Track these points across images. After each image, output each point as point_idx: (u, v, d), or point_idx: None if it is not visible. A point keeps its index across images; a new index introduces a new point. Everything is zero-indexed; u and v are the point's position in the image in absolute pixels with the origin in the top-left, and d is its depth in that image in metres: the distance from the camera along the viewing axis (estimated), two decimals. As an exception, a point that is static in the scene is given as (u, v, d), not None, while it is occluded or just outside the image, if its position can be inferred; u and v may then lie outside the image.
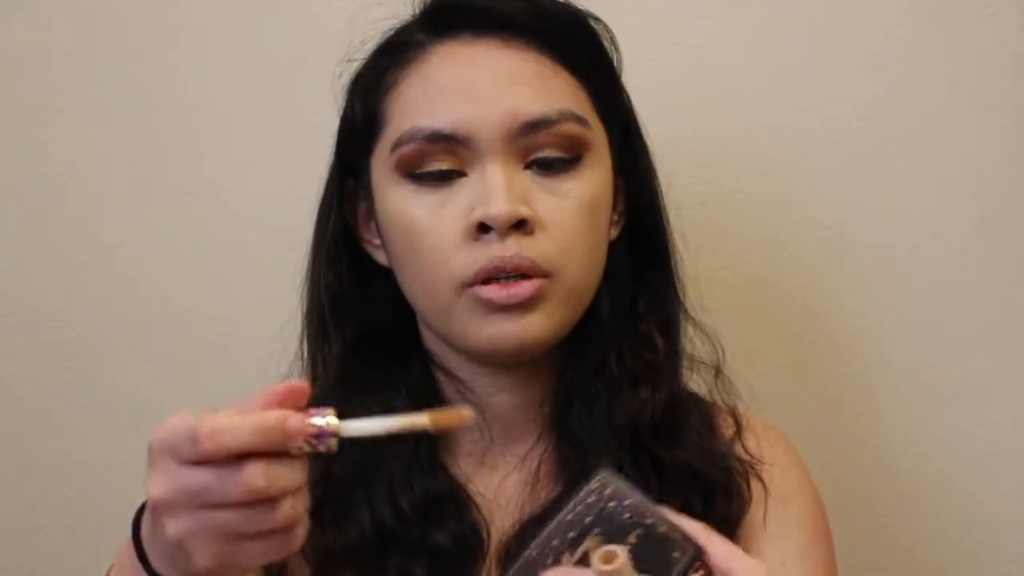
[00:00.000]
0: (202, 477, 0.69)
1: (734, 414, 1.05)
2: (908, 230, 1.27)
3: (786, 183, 1.26)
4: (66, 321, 1.21)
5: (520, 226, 0.92)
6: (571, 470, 0.99)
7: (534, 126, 0.94)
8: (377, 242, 1.02)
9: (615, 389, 1.00)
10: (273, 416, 0.70)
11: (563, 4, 1.01)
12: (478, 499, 0.99)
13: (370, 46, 1.03)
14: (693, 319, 1.05)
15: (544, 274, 0.93)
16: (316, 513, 0.91)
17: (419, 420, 0.73)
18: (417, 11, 1.02)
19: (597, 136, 0.98)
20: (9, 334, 1.21)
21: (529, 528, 0.96)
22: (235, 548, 0.70)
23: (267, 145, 1.22)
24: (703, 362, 1.07)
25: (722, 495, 0.99)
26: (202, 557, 0.70)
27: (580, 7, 1.01)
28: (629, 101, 1.05)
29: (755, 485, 1.01)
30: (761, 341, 1.26)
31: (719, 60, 1.25)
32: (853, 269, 1.27)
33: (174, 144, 1.22)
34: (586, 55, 1.00)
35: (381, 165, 0.98)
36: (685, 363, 1.06)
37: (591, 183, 0.97)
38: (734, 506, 1.00)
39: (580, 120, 0.96)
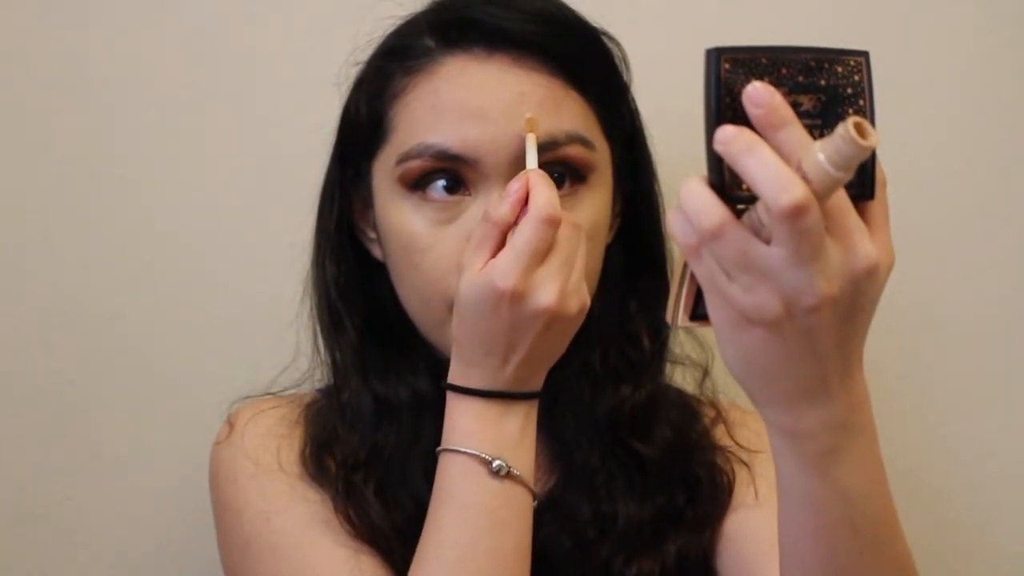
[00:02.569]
0: (559, 253, 0.89)
1: (715, 405, 1.06)
2: (906, 231, 1.27)
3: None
4: (66, 321, 1.21)
5: None
6: (561, 466, 1.02)
7: (541, 149, 0.94)
8: (372, 235, 1.03)
9: (597, 387, 1.02)
10: (543, 176, 0.90)
11: (577, 22, 1.00)
12: None
13: (378, 41, 1.02)
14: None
15: None
16: (366, 488, 0.96)
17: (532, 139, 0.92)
18: (427, 17, 1.00)
19: (601, 157, 0.99)
20: (9, 334, 1.21)
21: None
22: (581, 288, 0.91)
23: (271, 143, 1.22)
24: (691, 359, 1.08)
25: (705, 488, 1.01)
26: (575, 303, 0.90)
27: (594, 25, 1.01)
28: (637, 113, 1.05)
29: (742, 471, 1.02)
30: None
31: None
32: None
33: (176, 142, 1.22)
34: (598, 76, 1.00)
35: (384, 174, 0.98)
36: (675, 361, 1.08)
37: (592, 208, 0.97)
38: (718, 498, 1.01)
39: (586, 143, 0.96)
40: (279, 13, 1.22)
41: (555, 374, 1.00)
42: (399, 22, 1.02)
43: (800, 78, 0.67)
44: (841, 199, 0.66)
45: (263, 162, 1.22)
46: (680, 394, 1.09)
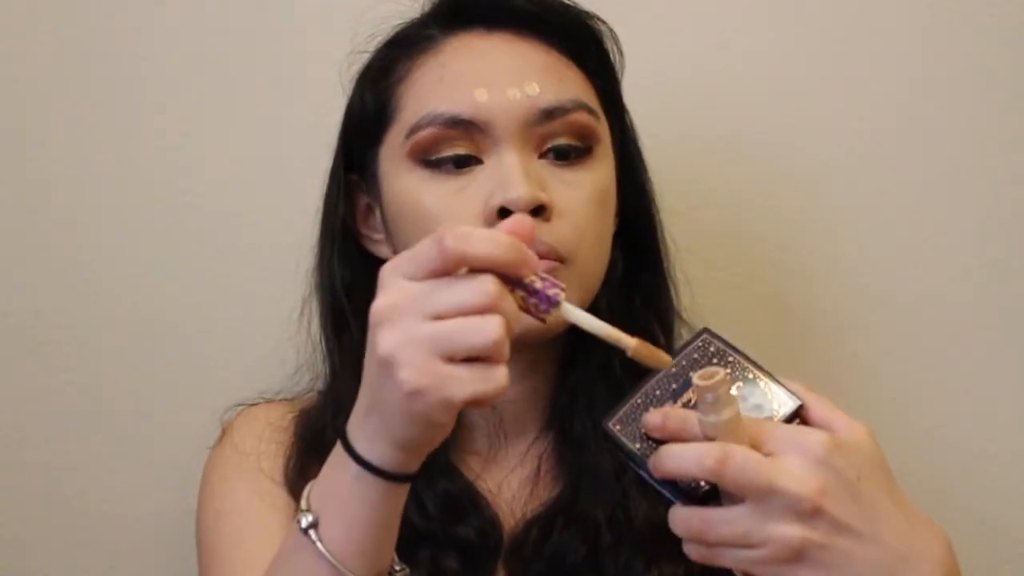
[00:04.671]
0: (431, 284, 0.69)
1: None
2: (903, 232, 1.27)
3: (778, 186, 1.26)
4: (66, 322, 1.21)
5: (538, 212, 0.93)
6: (570, 470, 1.00)
7: (550, 114, 0.95)
8: (377, 236, 1.03)
9: (617, 388, 1.00)
10: (515, 241, 0.71)
11: (571, 4, 1.02)
12: (487, 496, 1.00)
13: (376, 42, 1.04)
14: (685, 322, 1.06)
15: (560, 260, 0.94)
16: None
17: (627, 340, 0.75)
18: (426, 8, 1.03)
19: (604, 130, 1.00)
20: (8, 335, 1.21)
21: (536, 524, 0.97)
22: (441, 371, 0.68)
23: (269, 144, 1.22)
24: None
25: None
26: (408, 372, 0.68)
27: (587, 8, 1.02)
28: (626, 110, 1.06)
29: None
30: (755, 345, 1.25)
31: (711, 64, 1.25)
32: (846, 271, 1.27)
33: (175, 143, 1.22)
34: (593, 53, 1.02)
35: (392, 153, 0.98)
36: None
37: (601, 174, 0.98)
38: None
39: (591, 111, 0.98)
40: (280, 16, 1.22)
41: (573, 376, 1.00)
42: (400, 23, 1.03)
43: (673, 386, 0.78)
44: (759, 425, 0.73)
45: (266, 165, 1.22)
46: None
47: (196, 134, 1.22)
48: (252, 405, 1.07)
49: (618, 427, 0.78)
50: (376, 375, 0.71)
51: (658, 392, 0.78)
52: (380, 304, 0.70)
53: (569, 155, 0.96)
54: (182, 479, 1.16)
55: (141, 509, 1.22)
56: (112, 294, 1.22)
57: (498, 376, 0.69)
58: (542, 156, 0.96)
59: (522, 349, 0.98)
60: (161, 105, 1.21)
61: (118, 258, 1.22)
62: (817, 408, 0.77)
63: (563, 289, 0.72)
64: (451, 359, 0.69)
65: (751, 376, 0.78)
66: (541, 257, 0.92)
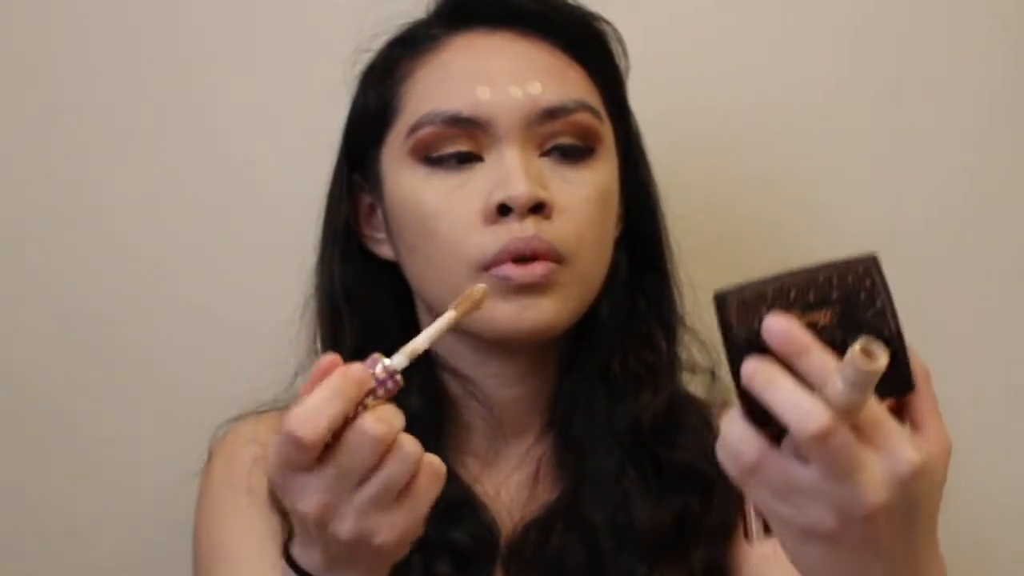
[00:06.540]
0: (332, 467, 0.71)
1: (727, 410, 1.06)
2: (908, 234, 1.27)
3: (782, 188, 1.26)
4: (69, 323, 1.21)
5: (538, 209, 0.93)
6: (570, 473, 1.00)
7: (551, 113, 0.96)
8: (380, 236, 1.03)
9: (617, 393, 1.01)
10: (336, 377, 0.70)
11: (575, 4, 1.02)
12: (485, 499, 1.00)
13: (381, 41, 1.04)
14: (688, 326, 1.06)
15: (559, 259, 0.94)
16: None
17: (447, 317, 0.76)
18: (430, 8, 1.03)
19: (607, 131, 1.00)
20: (10, 335, 1.21)
21: (534, 527, 0.98)
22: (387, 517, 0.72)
23: (274, 143, 1.22)
24: (699, 366, 1.08)
25: (720, 494, 0.99)
26: (384, 537, 0.72)
27: (591, 9, 1.03)
28: (631, 112, 1.06)
29: None
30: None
31: (715, 66, 1.26)
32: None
33: (179, 142, 1.22)
34: (597, 53, 1.02)
35: (394, 151, 0.99)
36: (684, 366, 1.07)
37: (603, 174, 0.98)
38: (732, 504, 1.00)
39: (594, 112, 0.98)
40: (285, 15, 1.22)
41: (571, 378, 0.99)
42: (404, 22, 1.04)
43: (811, 297, 0.68)
44: (874, 410, 0.66)
45: (269, 165, 1.22)
46: (694, 399, 1.08)
47: (200, 133, 1.22)
48: (239, 421, 1.06)
49: (735, 304, 0.67)
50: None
51: (792, 294, 0.68)
52: (311, 508, 0.72)
53: (571, 155, 0.97)
54: (184, 480, 1.15)
55: (140, 512, 1.23)
56: (111, 294, 1.22)
57: (420, 508, 0.74)
58: (543, 155, 0.97)
59: (522, 350, 0.99)
60: (165, 104, 1.21)
61: (119, 257, 1.22)
62: (919, 402, 0.71)
63: (382, 357, 0.74)
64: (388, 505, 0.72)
65: (886, 335, 0.69)
66: (540, 256, 0.93)
